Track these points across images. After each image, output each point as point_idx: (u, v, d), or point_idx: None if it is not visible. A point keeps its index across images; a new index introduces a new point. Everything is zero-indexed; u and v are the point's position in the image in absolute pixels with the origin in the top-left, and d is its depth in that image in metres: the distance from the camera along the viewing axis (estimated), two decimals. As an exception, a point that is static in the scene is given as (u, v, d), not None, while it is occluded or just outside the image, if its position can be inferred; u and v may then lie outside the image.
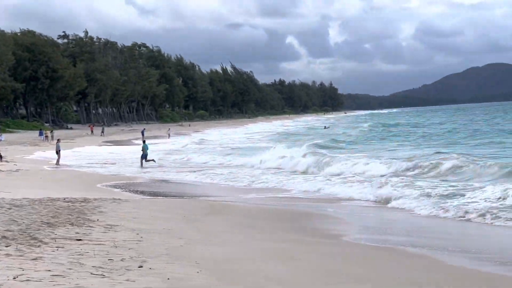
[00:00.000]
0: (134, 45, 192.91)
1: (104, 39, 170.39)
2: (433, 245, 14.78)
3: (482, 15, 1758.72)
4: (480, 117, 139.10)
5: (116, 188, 28.84)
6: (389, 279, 11.12)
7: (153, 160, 46.02)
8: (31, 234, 13.55)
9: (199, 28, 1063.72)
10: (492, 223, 17.74)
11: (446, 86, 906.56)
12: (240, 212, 20.98)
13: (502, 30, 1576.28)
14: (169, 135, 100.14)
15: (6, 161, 44.33)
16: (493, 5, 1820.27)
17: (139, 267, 10.64)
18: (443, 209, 20.15)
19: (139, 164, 44.82)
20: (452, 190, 24.11)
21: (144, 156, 45.58)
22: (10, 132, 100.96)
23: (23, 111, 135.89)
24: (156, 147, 65.19)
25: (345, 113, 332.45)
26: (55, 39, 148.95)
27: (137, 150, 52.67)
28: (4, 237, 13.00)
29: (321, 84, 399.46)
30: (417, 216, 20.03)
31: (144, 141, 49.27)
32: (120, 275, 10.01)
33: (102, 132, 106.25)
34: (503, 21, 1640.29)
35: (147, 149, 46.50)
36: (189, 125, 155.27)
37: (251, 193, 27.65)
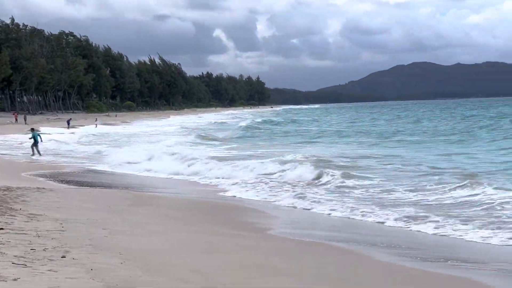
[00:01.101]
0: (62, 33, 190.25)
1: (30, 26, 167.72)
2: (360, 241, 14.95)
3: (407, 14, 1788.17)
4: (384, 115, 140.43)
5: (41, 177, 28.38)
6: (311, 273, 11.20)
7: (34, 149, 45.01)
8: (-49, 222, 13.27)
9: (126, 19, 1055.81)
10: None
11: (372, 83, 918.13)
12: (165, 203, 20.93)
13: (427, 30, 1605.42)
14: (96, 125, 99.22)
15: None
16: (418, 4, 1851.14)
17: (62, 257, 10.51)
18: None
19: (42, 153, 44.16)
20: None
21: (34, 144, 44.42)
22: None
23: None
24: (51, 137, 63.72)
25: (272, 107, 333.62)
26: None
27: (63, 139, 51.96)
28: None
29: (249, 78, 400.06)
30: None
31: (33, 129, 48.04)
32: (42, 265, 9.86)
33: (25, 120, 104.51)
34: (428, 21, 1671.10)
35: (37, 137, 45.04)
36: (116, 116, 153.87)
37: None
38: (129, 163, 36.25)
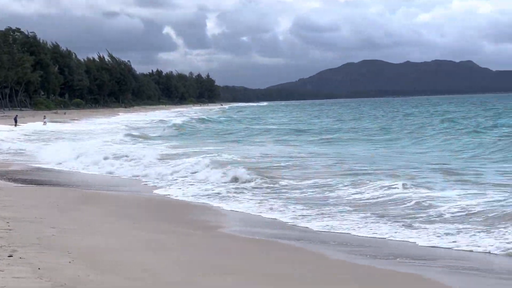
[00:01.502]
0: (8, 30, 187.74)
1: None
2: (311, 239, 15.02)
3: (357, 12, 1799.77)
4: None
5: (-14, 176, 28.02)
6: (259, 271, 11.29)
7: None
8: None
9: (75, 15, 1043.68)
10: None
11: (322, 81, 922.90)
12: (114, 202, 20.81)
13: (377, 28, 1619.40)
14: (45, 122, 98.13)
15: None
16: (368, 3, 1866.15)
17: (8, 256, 10.42)
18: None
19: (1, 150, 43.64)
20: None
21: None
22: None
23: None
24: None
25: (221, 105, 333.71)
26: None
27: (11, 136, 51.25)
28: None
29: (199, 75, 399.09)
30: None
31: None
32: (-12, 264, 9.77)
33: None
34: (378, 19, 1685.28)
35: None
36: (65, 113, 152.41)
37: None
38: (59, 163, 35.73)
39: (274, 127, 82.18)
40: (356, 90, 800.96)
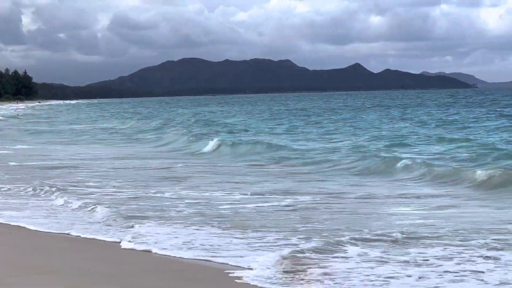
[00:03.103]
0: None
1: None
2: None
3: (175, 10, 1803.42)
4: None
5: None
6: (75, 270, 11.52)
7: None
8: None
9: None
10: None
11: (142, 79, 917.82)
12: None
13: (194, 26, 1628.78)
14: None
15: None
16: (186, 1, 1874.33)
17: None
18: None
19: None
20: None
21: None
22: None
23: None
24: None
25: (39, 102, 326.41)
26: None
27: None
28: None
29: (15, 72, 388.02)
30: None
31: None
32: None
33: None
34: (196, 17, 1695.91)
35: None
36: None
37: None
38: None
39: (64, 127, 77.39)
40: (176, 88, 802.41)
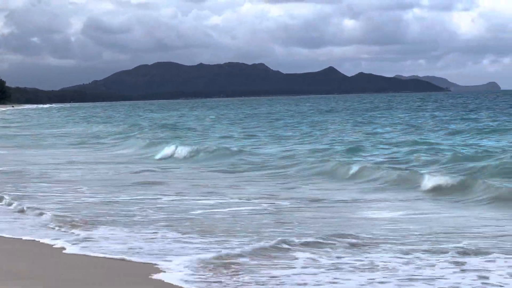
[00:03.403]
0: None
1: None
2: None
3: (149, 14, 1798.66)
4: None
5: None
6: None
7: None
8: None
9: None
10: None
11: (116, 83, 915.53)
12: None
13: (168, 30, 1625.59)
14: None
15: None
16: (159, 5, 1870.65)
17: None
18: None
19: None
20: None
21: None
22: None
23: None
24: None
25: (13, 106, 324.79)
26: None
27: None
28: None
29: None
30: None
31: None
32: None
33: None
34: (170, 21, 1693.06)
35: None
36: None
37: None
38: None
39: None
40: (151, 92, 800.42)
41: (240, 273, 11.44)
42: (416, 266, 11.84)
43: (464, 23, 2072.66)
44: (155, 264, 12.16)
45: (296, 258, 12.49)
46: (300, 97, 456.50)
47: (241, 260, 12.31)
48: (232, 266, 11.89)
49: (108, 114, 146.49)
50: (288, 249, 13.17)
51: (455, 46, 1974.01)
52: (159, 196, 21.80)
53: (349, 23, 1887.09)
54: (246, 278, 11.14)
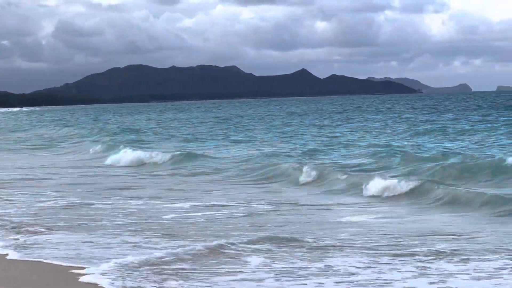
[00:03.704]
0: None
1: None
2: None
3: (120, 16, 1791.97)
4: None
5: None
6: None
7: None
8: None
9: None
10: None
11: (88, 86, 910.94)
12: None
13: (140, 32, 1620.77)
14: None
15: None
16: (131, 7, 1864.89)
17: None
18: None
19: None
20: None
21: None
22: None
23: None
24: None
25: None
26: None
27: None
28: None
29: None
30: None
31: None
32: None
33: None
34: (142, 24, 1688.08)
35: None
36: None
37: None
38: None
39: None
40: (123, 95, 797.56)
41: (171, 278, 11.38)
42: (375, 271, 11.82)
43: (435, 25, 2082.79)
44: (84, 268, 12.20)
45: (247, 263, 12.42)
46: (271, 99, 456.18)
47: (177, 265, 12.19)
48: (165, 271, 11.81)
49: (75, 117, 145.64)
50: (238, 254, 13.06)
51: (426, 48, 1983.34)
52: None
53: (321, 25, 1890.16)
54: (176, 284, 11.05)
